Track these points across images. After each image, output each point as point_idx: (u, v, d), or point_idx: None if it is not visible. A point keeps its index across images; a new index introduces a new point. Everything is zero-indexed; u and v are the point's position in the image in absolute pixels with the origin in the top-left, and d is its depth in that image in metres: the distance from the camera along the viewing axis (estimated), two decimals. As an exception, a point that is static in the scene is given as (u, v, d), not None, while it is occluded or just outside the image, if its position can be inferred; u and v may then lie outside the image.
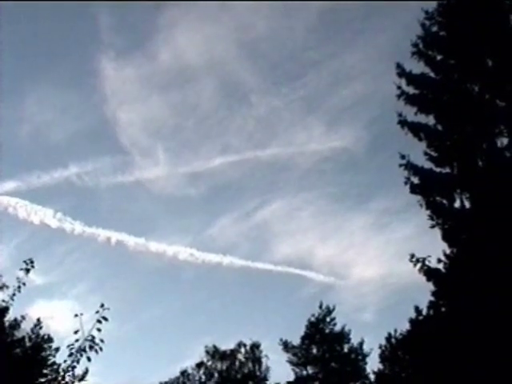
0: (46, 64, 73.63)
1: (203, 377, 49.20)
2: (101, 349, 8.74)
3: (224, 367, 49.17)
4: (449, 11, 19.61)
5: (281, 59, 73.12)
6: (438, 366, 18.09)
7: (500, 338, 15.64)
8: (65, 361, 9.18)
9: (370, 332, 60.61)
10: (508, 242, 16.39)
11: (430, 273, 17.74)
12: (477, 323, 15.99)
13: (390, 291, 65.78)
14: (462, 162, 18.33)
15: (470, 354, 16.36)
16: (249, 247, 73.73)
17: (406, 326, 28.93)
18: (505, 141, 17.93)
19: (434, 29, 19.72)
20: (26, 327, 29.84)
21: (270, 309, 66.24)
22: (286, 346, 43.90)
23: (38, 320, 31.45)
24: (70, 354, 8.96)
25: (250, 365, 49.03)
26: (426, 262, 17.73)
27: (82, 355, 8.84)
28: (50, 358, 28.74)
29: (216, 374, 49.10)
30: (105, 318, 8.71)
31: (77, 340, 8.82)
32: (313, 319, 43.79)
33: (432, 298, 19.89)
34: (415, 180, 18.38)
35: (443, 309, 19.61)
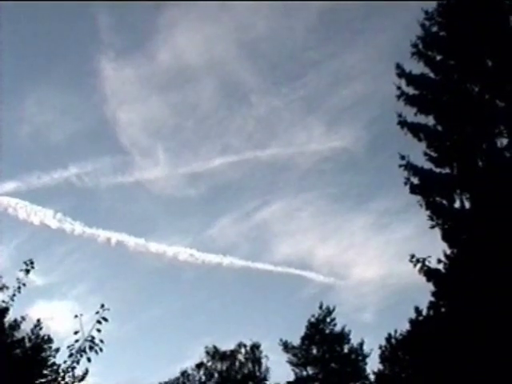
0: (46, 64, 73.71)
1: (203, 377, 49.20)
2: (101, 349, 8.74)
3: (224, 368, 49.17)
4: (449, 11, 19.61)
5: (281, 59, 73.15)
6: (438, 366, 18.08)
7: (500, 338, 15.64)
8: (65, 361, 9.19)
9: (370, 332, 60.64)
10: (508, 242, 16.39)
11: (430, 273, 17.74)
12: (477, 323, 15.99)
13: (390, 291, 65.94)
14: (462, 163, 18.34)
15: (470, 354, 16.35)
16: (249, 247, 73.79)
17: (406, 327, 28.93)
18: (504, 141, 17.94)
19: (434, 29, 19.73)
20: (25, 328, 29.87)
21: (270, 309, 66.31)
22: (286, 347, 43.90)
23: (38, 321, 31.49)
24: (70, 355, 8.97)
25: (250, 365, 49.02)
26: (426, 263, 17.74)
27: (81, 356, 8.84)
28: (50, 358, 28.73)
29: (216, 375, 49.09)
30: (105, 319, 8.71)
31: (77, 340, 8.82)
32: (313, 320, 43.79)
33: (432, 299, 19.90)
34: (415, 180, 18.39)
35: (443, 309, 19.61)
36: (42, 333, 31.24)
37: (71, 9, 59.90)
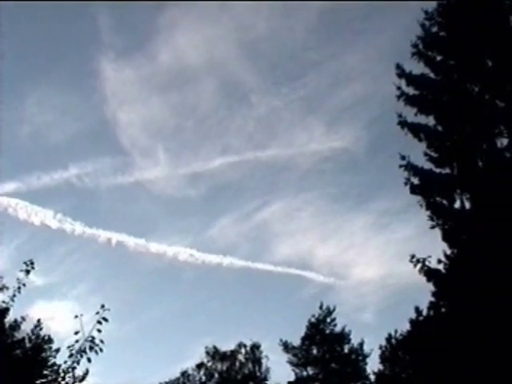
0: (46, 65, 73.63)
1: (203, 377, 49.20)
2: (101, 350, 8.75)
3: (224, 368, 49.17)
4: (449, 12, 19.62)
5: (281, 59, 73.03)
6: (438, 366, 18.07)
7: (500, 338, 15.64)
8: (65, 362, 9.20)
9: (371, 332, 60.52)
10: (508, 243, 16.39)
11: (430, 273, 17.75)
12: (477, 324, 16.00)
13: (391, 292, 65.92)
14: (462, 163, 18.34)
15: (471, 354, 16.36)
16: (249, 248, 73.71)
17: (407, 327, 28.89)
18: (505, 141, 17.95)
19: (434, 29, 19.73)
20: (26, 328, 29.90)
21: (270, 309, 66.26)
22: (287, 347, 43.90)
23: (39, 321, 31.52)
24: (71, 355, 8.97)
25: (250, 365, 49.02)
26: (426, 263, 17.75)
27: (82, 356, 8.85)
28: (51, 358, 28.71)
29: (216, 375, 49.10)
30: (105, 319, 8.71)
31: (77, 341, 8.83)
32: (313, 320, 43.79)
33: (432, 299, 19.89)
34: (415, 180, 18.40)
35: (443, 309, 19.60)
36: (42, 333, 31.29)
37: (71, 9, 59.87)
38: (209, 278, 66.93)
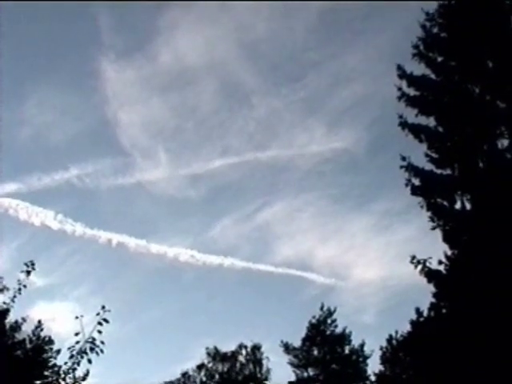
0: (47, 65, 73.59)
1: (204, 378, 49.20)
2: (102, 351, 8.74)
3: (225, 369, 49.17)
4: (449, 12, 19.61)
5: (281, 60, 73.05)
6: (439, 367, 18.06)
7: (501, 339, 15.63)
8: (65, 363, 9.18)
9: (371, 334, 60.46)
10: (509, 244, 16.38)
11: (430, 274, 17.75)
12: (478, 325, 15.99)
13: (391, 293, 65.93)
14: (463, 164, 18.34)
15: (471, 355, 16.34)
16: (249, 249, 73.66)
17: (407, 328, 28.79)
18: (505, 142, 17.95)
19: (435, 30, 19.72)
20: (26, 329, 29.86)
21: (270, 310, 66.31)
22: (287, 348, 43.89)
23: (39, 322, 31.47)
24: (71, 356, 8.96)
25: (251, 366, 49.02)
26: (427, 264, 17.76)
27: (82, 357, 8.84)
28: (51, 359, 28.72)
29: (217, 376, 49.09)
30: (106, 320, 8.70)
31: (78, 342, 8.82)
32: (314, 321, 43.79)
33: (433, 300, 19.88)
34: (416, 181, 18.40)
35: (444, 310, 19.59)
36: (42, 334, 31.23)
37: (71, 9, 59.88)
38: (209, 279, 67.01)
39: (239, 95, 77.68)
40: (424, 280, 17.82)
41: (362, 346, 43.00)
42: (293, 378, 43.35)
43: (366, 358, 42.61)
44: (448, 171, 18.59)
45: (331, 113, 76.41)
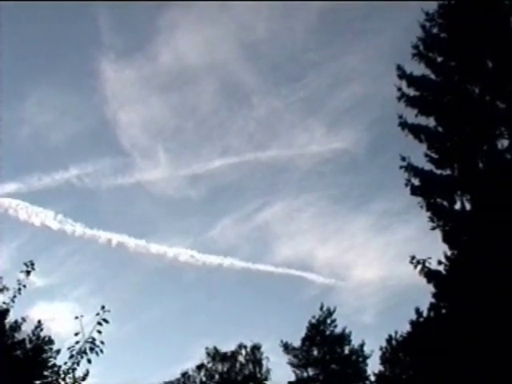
0: (46, 65, 73.48)
1: (204, 378, 49.21)
2: (101, 351, 8.74)
3: (225, 369, 49.17)
4: (449, 13, 19.62)
5: (281, 60, 72.94)
6: (438, 367, 18.07)
7: (500, 339, 15.64)
8: (65, 363, 9.19)
9: (371, 334, 60.34)
10: (508, 244, 16.39)
11: (430, 275, 17.75)
12: (477, 325, 15.99)
13: (391, 293, 65.85)
14: (463, 164, 18.34)
15: (471, 355, 16.35)
16: (249, 249, 73.56)
17: (407, 328, 28.83)
18: (505, 142, 17.95)
19: (435, 30, 19.73)
20: (26, 329, 29.88)
21: (270, 310, 66.25)
22: (287, 348, 43.91)
23: (39, 322, 31.50)
24: (71, 356, 8.97)
25: (251, 366, 49.02)
26: (427, 264, 17.76)
27: (82, 357, 8.85)
28: (51, 359, 28.73)
29: (217, 376, 49.09)
30: (105, 320, 8.71)
31: (77, 342, 8.82)
32: (313, 321, 43.80)
33: (432, 300, 19.90)
34: (416, 182, 18.40)
35: (444, 311, 19.60)
36: (42, 334, 31.25)
37: (71, 9, 59.82)
38: (209, 279, 66.93)
39: (239, 95, 77.63)
40: (424, 280, 17.85)
41: (361, 346, 43.05)
42: (292, 378, 43.41)
43: (365, 358, 42.65)
44: (448, 171, 18.60)
45: (331, 113, 76.38)
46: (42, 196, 69.81)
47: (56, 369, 10.35)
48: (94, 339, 8.75)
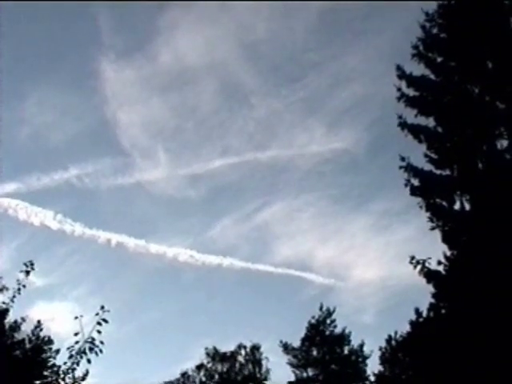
0: (46, 65, 73.55)
1: (203, 378, 49.22)
2: (101, 351, 8.74)
3: (224, 369, 49.19)
4: (449, 13, 19.62)
5: (281, 61, 72.99)
6: (438, 367, 18.07)
7: (500, 339, 15.64)
8: (65, 363, 9.19)
9: (371, 334, 60.39)
10: (508, 244, 16.39)
11: (430, 275, 17.75)
12: (477, 325, 15.99)
13: (391, 293, 65.88)
14: (462, 164, 18.34)
15: (471, 355, 16.35)
16: (249, 249, 73.59)
17: (407, 328, 28.84)
18: (505, 143, 17.95)
19: (435, 31, 19.73)
20: (26, 329, 29.90)
21: (270, 311, 66.29)
22: (286, 348, 43.90)
23: (39, 322, 31.50)
24: (70, 356, 8.97)
25: (251, 367, 49.04)
26: (426, 264, 17.77)
27: (82, 357, 8.84)
28: (50, 359, 28.71)
29: (216, 376, 49.11)
30: (105, 320, 8.71)
31: (77, 342, 8.82)
32: (313, 321, 43.80)
33: (432, 300, 19.89)
34: (415, 182, 18.41)
35: (443, 311, 19.60)
36: (42, 334, 31.26)
37: (71, 9, 59.87)
38: (209, 279, 66.95)
39: (239, 95, 77.67)
40: (423, 280, 17.85)
41: (361, 346, 43.05)
42: (292, 378, 43.42)
43: (365, 358, 42.64)
44: (447, 172, 18.60)
45: (331, 113, 76.41)
46: (42, 196, 69.94)
47: (56, 369, 10.36)
48: (93, 339, 8.75)
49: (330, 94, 79.31)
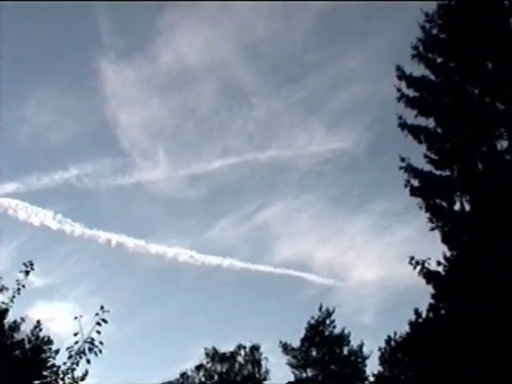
0: (47, 66, 73.73)
1: (203, 379, 49.21)
2: (100, 351, 8.73)
3: (224, 369, 49.18)
4: (449, 13, 19.62)
5: (281, 61, 73.28)
6: (437, 368, 18.08)
7: (499, 340, 15.64)
8: (64, 363, 9.18)
9: (370, 334, 60.53)
10: (508, 245, 16.39)
11: (429, 275, 17.75)
12: (476, 326, 15.99)
13: (390, 293, 66.06)
14: (462, 165, 18.34)
15: (470, 356, 16.35)
16: (249, 249, 73.73)
17: (406, 329, 28.92)
18: (505, 144, 17.95)
19: (434, 31, 19.72)
20: (25, 329, 29.95)
21: (269, 311, 66.38)
22: (286, 349, 43.90)
23: (38, 322, 31.55)
24: (70, 356, 8.96)
25: (250, 367, 49.04)
26: (426, 265, 17.76)
27: (81, 357, 8.83)
28: (50, 359, 28.77)
29: (216, 376, 49.10)
30: (104, 321, 8.70)
31: (76, 342, 8.81)
32: (312, 321, 43.79)
33: (432, 301, 19.88)
34: (415, 182, 18.40)
35: (443, 311, 19.60)
36: (41, 334, 31.31)
37: (71, 9, 60.01)
38: (208, 280, 67.01)
39: (239, 96, 77.84)
40: (423, 281, 17.84)
41: (360, 346, 43.06)
42: (291, 379, 43.43)
43: (364, 358, 42.65)
44: (447, 172, 18.60)
45: (331, 113, 76.57)
46: (42, 196, 70.15)
47: (55, 369, 10.35)
48: (93, 339, 8.74)
49: (330, 94, 79.54)
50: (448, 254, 17.98)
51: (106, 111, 76.74)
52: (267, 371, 48.82)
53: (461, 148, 18.44)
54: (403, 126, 18.86)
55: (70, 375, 9.34)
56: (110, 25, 72.48)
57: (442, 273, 17.82)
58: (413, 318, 27.68)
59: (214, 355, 49.48)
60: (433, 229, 18.04)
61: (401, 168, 18.49)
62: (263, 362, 49.03)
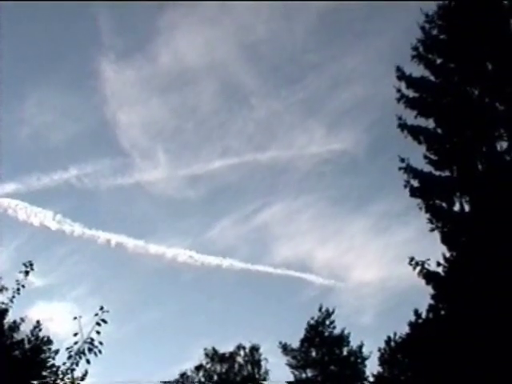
0: (46, 65, 73.59)
1: (202, 379, 49.18)
2: (100, 351, 8.73)
3: (223, 370, 49.14)
4: (448, 14, 19.63)
5: (281, 62, 73.16)
6: (437, 369, 18.07)
7: (499, 340, 15.64)
8: (64, 363, 9.17)
9: (370, 335, 60.53)
10: (508, 245, 16.39)
11: (429, 276, 17.75)
12: (476, 326, 15.99)
13: (390, 294, 65.97)
14: (462, 166, 18.35)
15: (470, 357, 16.35)
16: (248, 250, 73.62)
17: (406, 329, 28.86)
18: (504, 144, 17.96)
19: (434, 32, 19.74)
20: (25, 329, 29.93)
21: (269, 311, 66.33)
22: (286, 349, 43.87)
23: (38, 322, 31.53)
24: (69, 357, 8.95)
25: (250, 367, 49.00)
26: (426, 266, 17.77)
27: (81, 357, 8.83)
28: (49, 360, 28.79)
29: (215, 377, 49.07)
30: (104, 321, 8.70)
31: (76, 342, 8.81)
32: (312, 322, 43.75)
33: (431, 302, 19.87)
34: (415, 183, 18.41)
35: (442, 312, 19.60)
36: (41, 334, 31.29)
37: (71, 9, 59.95)
38: (208, 280, 66.99)
39: (239, 96, 77.69)
40: (423, 282, 17.85)
41: (360, 347, 43.00)
42: (291, 379, 43.35)
43: (364, 359, 42.60)
44: (447, 173, 18.61)
45: (331, 114, 76.54)
46: (41, 196, 69.97)
47: (54, 369, 10.39)
48: (92, 340, 8.73)
49: (330, 95, 79.48)
50: (448, 254, 17.99)
51: (105, 111, 76.68)
52: (267, 372, 48.82)
53: (460, 149, 18.45)
54: (403, 126, 18.87)
55: (69, 375, 9.34)
56: (110, 25, 72.45)
57: (442, 273, 17.82)
58: (412, 318, 27.68)
59: (214, 355, 49.45)
60: (432, 229, 18.05)
61: (400, 169, 18.51)
62: (263, 363, 49.04)
